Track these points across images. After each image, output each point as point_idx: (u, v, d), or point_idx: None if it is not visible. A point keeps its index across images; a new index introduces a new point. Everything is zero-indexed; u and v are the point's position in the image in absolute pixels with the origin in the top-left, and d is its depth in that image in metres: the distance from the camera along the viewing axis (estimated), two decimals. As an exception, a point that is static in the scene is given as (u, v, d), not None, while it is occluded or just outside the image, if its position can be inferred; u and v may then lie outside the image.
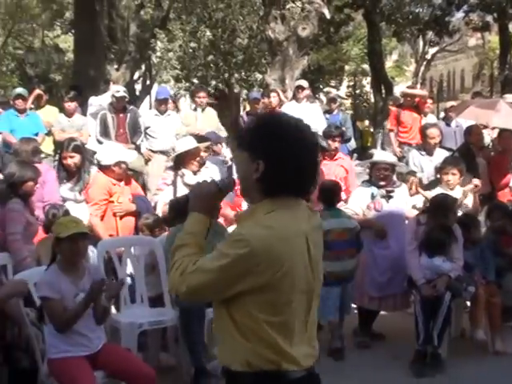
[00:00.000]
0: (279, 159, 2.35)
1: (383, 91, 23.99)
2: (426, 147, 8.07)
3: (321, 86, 40.07)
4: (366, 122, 30.24)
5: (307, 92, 10.10)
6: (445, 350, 5.58)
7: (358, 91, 42.06)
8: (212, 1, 21.62)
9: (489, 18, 25.34)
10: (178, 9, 23.64)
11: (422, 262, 5.65)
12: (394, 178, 6.35)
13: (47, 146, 9.51)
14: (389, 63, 45.74)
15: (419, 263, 5.65)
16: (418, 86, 40.36)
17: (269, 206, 2.38)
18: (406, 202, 6.36)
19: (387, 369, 5.54)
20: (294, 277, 2.34)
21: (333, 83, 43.13)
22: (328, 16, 15.88)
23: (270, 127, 2.42)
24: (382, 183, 6.13)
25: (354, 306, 6.29)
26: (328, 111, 10.47)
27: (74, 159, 6.30)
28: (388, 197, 6.08)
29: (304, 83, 10.12)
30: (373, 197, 6.07)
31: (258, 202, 2.43)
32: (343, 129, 9.38)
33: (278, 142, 2.36)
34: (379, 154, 6.45)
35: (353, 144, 10.53)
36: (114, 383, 4.43)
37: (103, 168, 6.23)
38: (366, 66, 33.52)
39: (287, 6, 18.25)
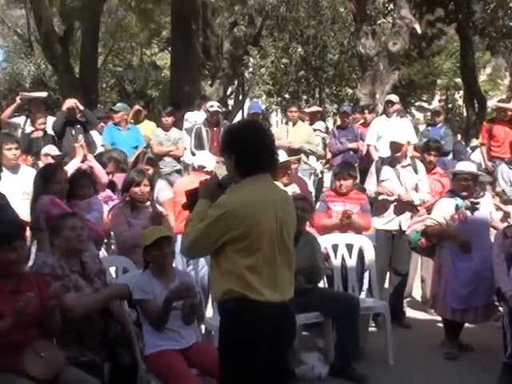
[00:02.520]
0: (241, 151, 3.42)
1: (476, 105, 23.55)
2: None
3: (412, 101, 39.65)
4: (459, 137, 29.68)
5: (397, 107, 10.13)
6: (533, 364, 5.55)
7: (450, 105, 41.30)
8: (304, 18, 21.90)
9: None
10: (271, 26, 24.01)
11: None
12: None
13: (145, 160, 9.96)
14: (482, 77, 44.64)
15: (508, 275, 5.66)
16: (514, 99, 39.39)
17: (242, 182, 3.43)
18: (490, 212, 6.33)
19: (474, 381, 5.59)
20: (261, 229, 3.33)
21: (424, 97, 42.61)
22: (419, 31, 15.85)
23: (232, 132, 3.60)
24: (464, 194, 6.12)
25: (439, 317, 6.37)
26: (431, 124, 10.50)
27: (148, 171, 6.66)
28: (473, 208, 6.07)
29: (394, 98, 10.19)
30: (457, 208, 6.07)
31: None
32: (442, 142, 9.41)
33: (239, 140, 3.47)
34: (460, 165, 6.45)
35: (449, 157, 10.48)
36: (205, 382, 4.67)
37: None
38: (459, 80, 32.92)
39: (378, 22, 18.35)
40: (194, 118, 11.41)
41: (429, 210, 6.58)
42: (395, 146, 6.97)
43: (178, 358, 4.38)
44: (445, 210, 6.17)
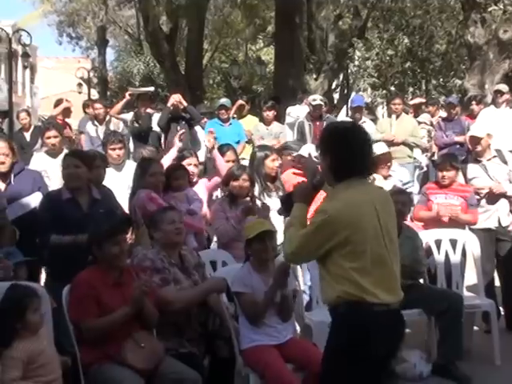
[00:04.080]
0: (337, 153, 3.37)
1: None
2: None
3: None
4: None
5: (507, 97, 9.75)
6: None
7: None
8: (410, 8, 21.46)
9: None
10: (376, 17, 23.68)
11: None
12: None
13: (248, 154, 10.03)
14: None
15: None
16: None
17: (339, 186, 3.39)
18: None
19: None
20: (364, 231, 3.29)
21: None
22: (533, 17, 15.19)
23: (330, 132, 3.56)
24: None
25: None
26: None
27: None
28: None
29: (503, 87, 9.80)
30: None
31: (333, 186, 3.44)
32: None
33: (336, 141, 3.42)
34: None
35: None
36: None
37: None
38: None
39: (489, 9, 17.71)
40: (297, 112, 11.40)
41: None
42: (474, 140, 6.70)
43: (275, 354, 4.37)
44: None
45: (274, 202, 6.03)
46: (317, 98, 10.00)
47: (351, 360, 3.31)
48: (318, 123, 9.77)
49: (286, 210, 3.66)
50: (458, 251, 6.15)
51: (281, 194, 6.16)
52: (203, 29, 23.52)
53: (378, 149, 6.70)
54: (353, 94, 21.46)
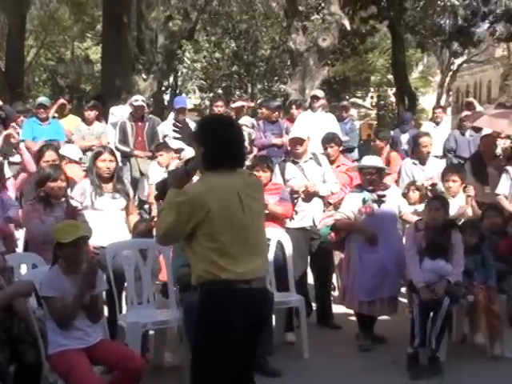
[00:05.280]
0: (208, 145, 3.61)
1: (407, 102, 24.00)
2: (418, 156, 8.14)
3: (347, 97, 40.09)
4: (392, 133, 30.13)
5: (322, 102, 10.22)
6: (443, 354, 5.68)
7: (382, 102, 41.99)
8: (236, 12, 21.92)
9: (514, 29, 25.18)
10: (204, 20, 23.94)
11: (425, 264, 5.72)
12: (388, 180, 6.44)
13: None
14: (415, 74, 45.56)
15: (420, 267, 5.76)
16: (444, 96, 40.31)
17: (206, 173, 3.66)
18: (398, 206, 6.40)
19: (386, 372, 5.65)
20: (222, 216, 3.52)
21: (359, 94, 43.18)
22: (348, 27, 16.05)
23: (203, 125, 3.87)
24: (370, 188, 6.20)
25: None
26: (339, 119, 10.57)
27: None
28: (379, 201, 6.14)
29: (319, 93, 10.27)
30: (364, 201, 6.13)
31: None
32: (347, 138, 9.55)
33: (207, 134, 3.68)
34: (364, 159, 6.53)
35: (355, 155, 10.58)
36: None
37: None
38: (391, 77, 33.47)
39: (312, 18, 18.46)
40: (120, 112, 11.23)
41: (337, 206, 6.61)
42: (296, 142, 6.96)
43: (81, 358, 4.30)
44: (352, 204, 6.23)
45: (105, 203, 6.01)
46: (138, 99, 9.95)
47: (213, 335, 3.54)
48: (139, 124, 9.73)
49: (161, 195, 3.84)
50: (272, 249, 6.33)
51: (118, 195, 6.11)
52: (25, 24, 22.56)
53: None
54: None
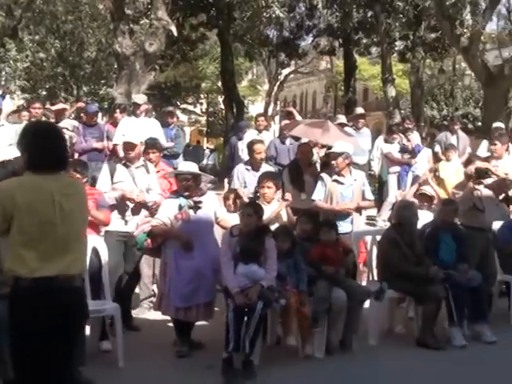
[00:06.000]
0: (31, 151, 3.76)
1: (235, 109, 24.44)
2: (252, 162, 8.32)
3: (178, 103, 40.23)
4: (221, 140, 30.66)
5: (145, 107, 10.18)
6: (257, 358, 5.78)
7: (211, 109, 42.64)
8: (62, 12, 21.25)
9: (336, 43, 26.48)
10: (28, 18, 23.00)
11: (239, 269, 5.81)
12: (204, 186, 6.50)
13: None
14: (244, 82, 46.61)
15: (235, 272, 5.83)
16: (272, 105, 41.55)
17: (26, 173, 3.77)
18: (215, 212, 6.47)
19: (201, 378, 5.67)
20: (30, 212, 3.59)
21: (190, 100, 43.51)
22: (175, 33, 16.06)
23: (25, 132, 3.94)
24: (186, 194, 6.23)
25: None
26: (163, 125, 10.55)
27: None
28: (196, 207, 6.18)
29: (139, 100, 10.27)
30: (180, 207, 6.14)
31: None
32: (171, 144, 9.56)
33: (28, 140, 3.82)
34: (181, 165, 6.57)
35: (180, 159, 10.60)
36: None
37: None
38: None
39: (140, 22, 18.27)
40: None
41: (154, 213, 6.57)
42: (127, 147, 6.91)
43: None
44: (169, 210, 6.23)
45: None
46: None
47: (19, 336, 3.59)
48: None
49: None
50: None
51: None
52: None
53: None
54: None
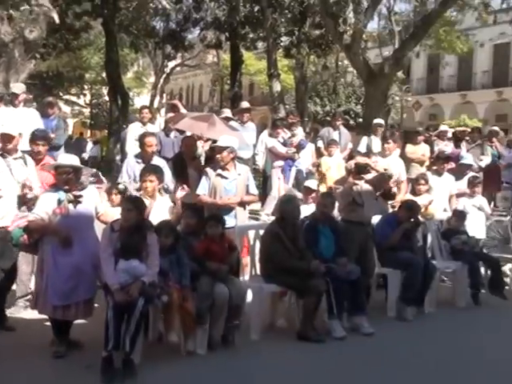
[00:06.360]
0: None
1: (119, 101, 24.01)
2: (142, 155, 8.13)
3: (60, 93, 39.13)
4: (105, 132, 30.07)
5: (23, 97, 9.80)
6: (138, 355, 5.68)
7: (95, 100, 41.70)
8: None
9: (223, 37, 26.53)
10: None
11: (120, 265, 5.65)
12: (86, 180, 6.33)
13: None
14: (129, 74, 45.88)
15: (116, 268, 5.68)
16: (158, 98, 41.18)
17: None
18: (96, 207, 6.29)
19: (79, 379, 5.50)
20: None
21: (73, 91, 42.39)
22: (57, 21, 15.53)
23: None
24: (66, 187, 6.02)
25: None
26: (43, 115, 10.17)
27: None
28: (76, 202, 5.98)
29: (17, 89, 9.91)
30: (60, 202, 5.93)
31: None
32: (53, 135, 9.26)
33: None
34: (61, 157, 6.36)
35: (61, 151, 10.26)
36: None
37: None
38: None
39: (21, 8, 17.54)
40: None
41: (31, 208, 6.31)
42: (6, 138, 6.64)
43: None
44: (47, 205, 5.98)
45: None
46: None
47: None
48: None
49: None
50: None
51: None
52: None
53: None
54: None
